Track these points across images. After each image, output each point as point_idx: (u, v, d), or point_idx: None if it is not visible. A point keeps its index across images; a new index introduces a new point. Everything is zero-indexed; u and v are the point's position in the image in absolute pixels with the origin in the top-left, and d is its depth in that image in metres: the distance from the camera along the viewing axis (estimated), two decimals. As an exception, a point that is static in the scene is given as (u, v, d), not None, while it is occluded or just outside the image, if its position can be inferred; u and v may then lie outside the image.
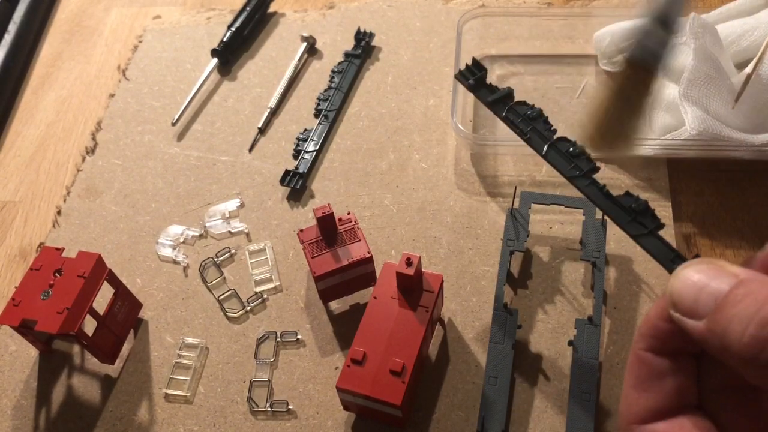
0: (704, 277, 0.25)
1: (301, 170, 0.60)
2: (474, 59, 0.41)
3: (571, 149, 0.37)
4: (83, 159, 0.65)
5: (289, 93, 0.67)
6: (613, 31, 0.62)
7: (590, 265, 0.51)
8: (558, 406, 0.46)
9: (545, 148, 0.38)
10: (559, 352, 0.48)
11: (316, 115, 0.65)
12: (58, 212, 0.61)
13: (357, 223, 0.50)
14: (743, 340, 0.22)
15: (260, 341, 0.51)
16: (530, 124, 0.39)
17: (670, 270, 0.30)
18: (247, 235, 0.57)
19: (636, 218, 0.34)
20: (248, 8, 0.72)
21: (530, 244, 0.53)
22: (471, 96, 0.64)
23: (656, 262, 0.50)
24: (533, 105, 0.39)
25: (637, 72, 0.29)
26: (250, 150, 0.63)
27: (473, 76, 0.41)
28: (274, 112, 0.66)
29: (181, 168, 0.63)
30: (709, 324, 0.24)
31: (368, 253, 0.48)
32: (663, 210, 0.54)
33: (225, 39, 0.70)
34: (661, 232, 0.34)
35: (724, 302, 0.24)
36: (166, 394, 0.49)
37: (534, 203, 0.53)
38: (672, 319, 0.26)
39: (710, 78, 0.53)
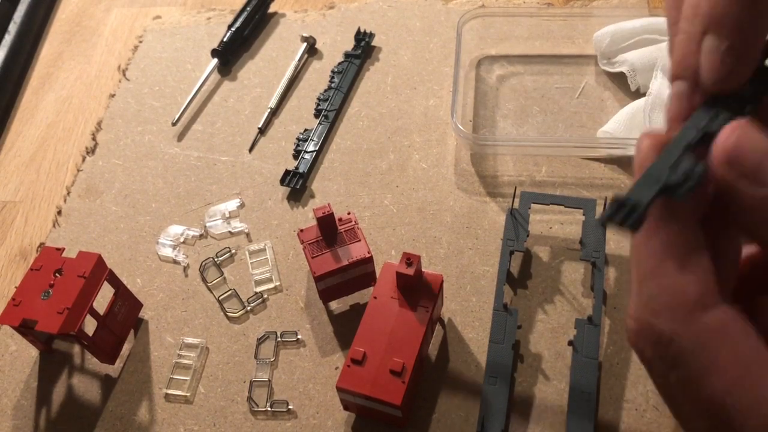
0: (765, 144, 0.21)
1: (301, 170, 0.60)
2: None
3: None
4: (83, 159, 0.65)
5: (289, 93, 0.68)
6: (613, 31, 0.62)
7: (590, 265, 0.51)
8: (558, 406, 0.46)
9: None
10: (559, 352, 0.48)
11: (316, 115, 0.65)
12: (59, 212, 0.61)
13: (357, 223, 0.50)
14: None
15: (260, 341, 0.51)
16: None
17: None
18: (247, 235, 0.57)
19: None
20: (248, 8, 0.72)
21: (530, 244, 0.53)
22: (471, 96, 0.64)
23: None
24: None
25: None
26: (251, 150, 0.63)
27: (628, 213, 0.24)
28: (274, 112, 0.66)
29: (182, 168, 0.63)
30: None
31: (368, 253, 0.48)
32: (663, 210, 0.54)
33: (225, 39, 0.70)
34: None
35: None
36: (166, 394, 0.49)
37: (534, 203, 0.53)
38: (722, 179, 0.22)
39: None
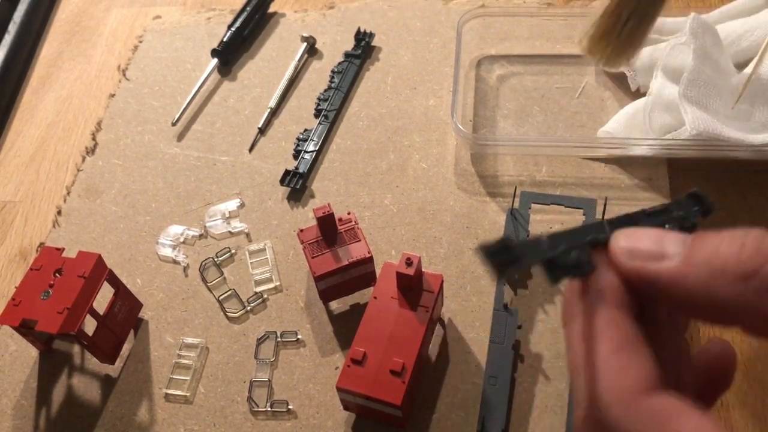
0: (656, 231, 0.24)
1: (301, 170, 0.60)
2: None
3: None
4: (83, 159, 0.65)
5: (289, 93, 0.68)
6: (613, 31, 0.62)
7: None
8: (558, 406, 0.46)
9: None
10: (559, 352, 0.48)
11: (316, 115, 0.65)
12: (59, 212, 0.61)
13: (357, 223, 0.50)
14: (744, 255, 0.21)
15: (260, 341, 0.51)
16: None
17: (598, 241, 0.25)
18: (247, 235, 0.57)
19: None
20: (248, 8, 0.72)
21: (530, 244, 0.53)
22: (471, 96, 0.64)
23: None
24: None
25: None
26: (250, 150, 0.63)
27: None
28: (274, 112, 0.66)
29: (182, 168, 0.63)
30: (690, 256, 0.22)
31: (368, 253, 0.48)
32: (663, 210, 0.54)
33: (225, 39, 0.70)
34: None
35: (702, 236, 0.23)
36: (167, 394, 0.49)
37: (534, 203, 0.53)
38: (626, 270, 0.24)
39: (710, 78, 0.53)
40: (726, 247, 0.22)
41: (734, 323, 0.23)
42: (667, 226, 0.26)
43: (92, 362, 0.51)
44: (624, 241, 0.24)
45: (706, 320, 0.24)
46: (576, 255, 0.24)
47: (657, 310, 0.26)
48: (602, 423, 0.23)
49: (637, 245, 0.24)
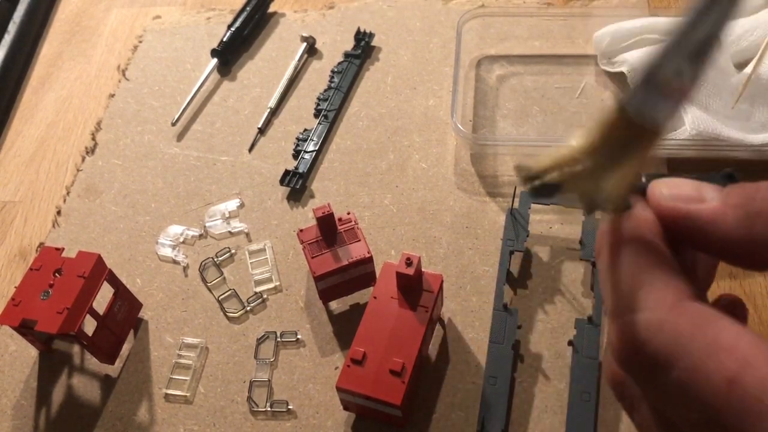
0: (694, 181, 0.25)
1: (301, 170, 0.60)
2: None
3: None
4: (83, 159, 0.65)
5: (289, 93, 0.68)
6: (613, 31, 0.62)
7: (590, 264, 0.51)
8: (558, 406, 0.46)
9: None
10: (559, 352, 0.48)
11: (316, 115, 0.65)
12: (58, 212, 0.61)
13: (357, 223, 0.50)
14: None
15: (260, 341, 0.51)
16: None
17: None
18: (247, 235, 0.57)
19: None
20: (248, 8, 0.72)
21: (530, 244, 0.53)
22: (471, 96, 0.64)
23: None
24: None
25: (633, 128, 0.23)
26: (250, 150, 0.63)
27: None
28: (274, 112, 0.66)
29: (181, 168, 0.63)
30: (728, 199, 0.23)
31: (368, 253, 0.48)
32: (663, 210, 0.54)
33: (225, 39, 0.70)
34: None
35: (738, 185, 0.24)
36: (166, 394, 0.49)
37: (534, 203, 0.53)
38: (665, 209, 0.24)
39: (710, 78, 0.53)
40: (764, 193, 0.23)
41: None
42: None
43: (92, 362, 0.51)
44: (664, 186, 0.25)
45: (739, 263, 0.24)
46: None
47: (686, 257, 0.26)
48: (637, 338, 0.22)
49: (677, 190, 0.24)
